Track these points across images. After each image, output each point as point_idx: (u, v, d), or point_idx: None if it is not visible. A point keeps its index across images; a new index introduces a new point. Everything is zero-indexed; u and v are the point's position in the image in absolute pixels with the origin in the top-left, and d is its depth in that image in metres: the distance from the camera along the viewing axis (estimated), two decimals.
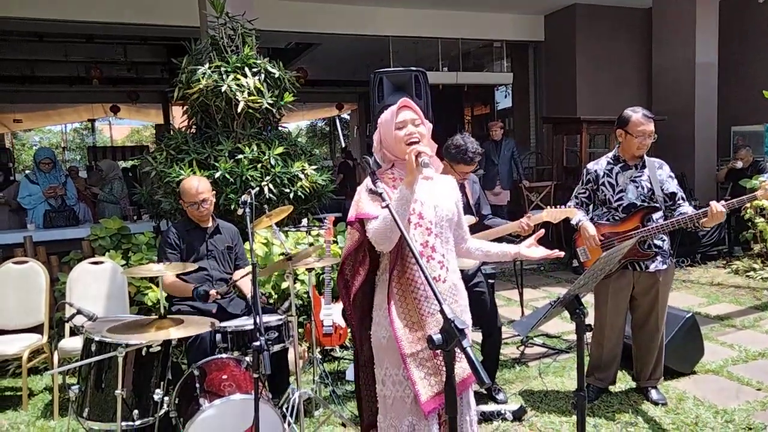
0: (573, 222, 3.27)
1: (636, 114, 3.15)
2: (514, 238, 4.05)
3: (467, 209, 3.17)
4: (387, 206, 1.70)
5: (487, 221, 3.23)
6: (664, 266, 3.22)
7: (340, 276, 2.11)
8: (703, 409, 3.22)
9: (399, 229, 1.70)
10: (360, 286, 2.05)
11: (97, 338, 2.55)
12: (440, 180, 2.15)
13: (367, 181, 1.97)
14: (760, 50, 8.37)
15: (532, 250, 2.22)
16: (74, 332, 3.67)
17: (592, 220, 3.29)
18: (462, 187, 3.21)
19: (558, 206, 3.09)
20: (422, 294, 1.96)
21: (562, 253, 2.27)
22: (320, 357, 3.59)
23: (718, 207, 2.86)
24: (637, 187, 3.18)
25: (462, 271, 3.07)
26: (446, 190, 2.13)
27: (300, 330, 4.19)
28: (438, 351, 1.90)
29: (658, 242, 3.20)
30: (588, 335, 3.44)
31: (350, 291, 2.07)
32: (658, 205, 3.14)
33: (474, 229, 3.15)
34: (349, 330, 3.73)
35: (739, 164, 7.26)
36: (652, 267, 3.20)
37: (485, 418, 3.21)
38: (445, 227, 2.05)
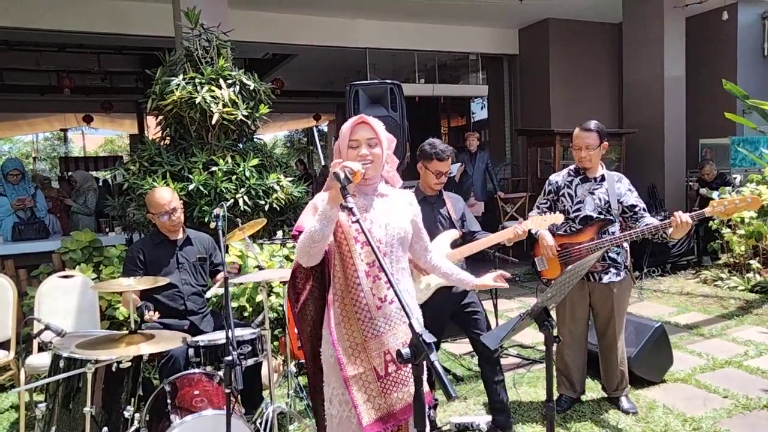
0: (533, 232, 3.30)
1: (578, 128, 3.26)
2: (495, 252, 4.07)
3: (450, 224, 3.15)
4: (357, 221, 1.64)
5: (478, 236, 3.16)
6: (618, 278, 3.27)
7: (292, 287, 2.04)
8: (672, 417, 3.28)
9: (372, 250, 1.62)
10: (305, 301, 2.01)
11: (65, 354, 2.50)
12: (395, 196, 2.07)
13: (317, 197, 1.96)
14: (725, 64, 8.64)
15: (484, 278, 2.33)
16: (42, 348, 3.59)
17: (551, 230, 3.34)
18: (443, 203, 3.19)
19: (542, 214, 3.18)
20: (365, 315, 1.91)
21: (506, 285, 2.34)
22: (295, 370, 3.57)
23: (683, 217, 2.86)
24: (595, 199, 3.24)
25: (449, 288, 3.03)
26: (401, 207, 2.04)
27: (275, 343, 4.16)
28: (381, 373, 1.91)
29: (612, 255, 3.26)
30: (557, 346, 3.50)
31: (299, 299, 2.02)
32: (612, 218, 3.21)
33: (459, 244, 3.11)
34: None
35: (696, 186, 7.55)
36: (606, 279, 3.26)
37: (459, 429, 3.23)
38: (395, 246, 1.97)
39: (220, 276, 3.31)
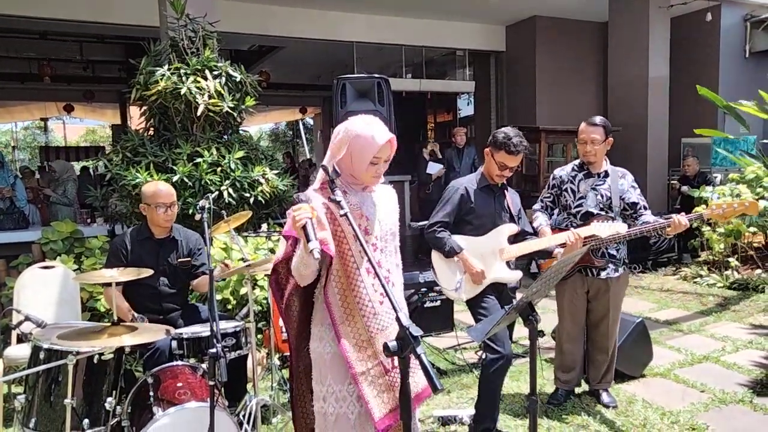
0: (535, 225, 3.34)
1: (584, 122, 3.28)
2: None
3: (509, 217, 3.10)
4: (345, 214, 1.66)
5: (528, 238, 3.13)
6: (616, 274, 3.31)
7: (275, 282, 2.00)
8: (651, 411, 3.34)
9: (365, 251, 1.66)
10: (290, 296, 1.97)
11: (45, 345, 2.47)
12: (381, 190, 2.06)
13: (309, 194, 1.93)
14: (708, 65, 8.77)
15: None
16: (22, 339, 3.54)
17: (554, 224, 3.38)
18: (504, 195, 3.11)
19: (606, 221, 3.12)
20: (370, 311, 1.91)
21: None
22: (279, 363, 3.57)
23: (682, 220, 2.96)
24: (597, 195, 3.27)
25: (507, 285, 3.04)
26: (388, 201, 2.05)
27: (259, 336, 4.15)
28: (388, 367, 1.90)
29: (612, 251, 3.29)
30: (541, 340, 3.54)
31: (284, 295, 1.99)
32: (613, 215, 3.23)
33: (515, 240, 3.06)
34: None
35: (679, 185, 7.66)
36: (603, 274, 3.29)
37: (443, 422, 3.25)
38: (389, 240, 1.99)
39: (202, 278, 3.27)
